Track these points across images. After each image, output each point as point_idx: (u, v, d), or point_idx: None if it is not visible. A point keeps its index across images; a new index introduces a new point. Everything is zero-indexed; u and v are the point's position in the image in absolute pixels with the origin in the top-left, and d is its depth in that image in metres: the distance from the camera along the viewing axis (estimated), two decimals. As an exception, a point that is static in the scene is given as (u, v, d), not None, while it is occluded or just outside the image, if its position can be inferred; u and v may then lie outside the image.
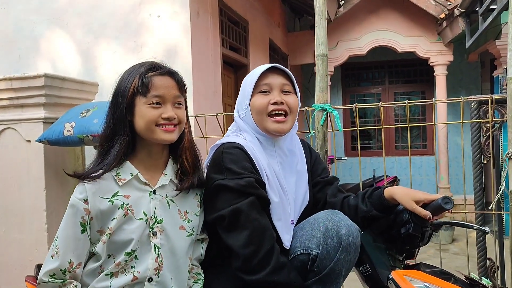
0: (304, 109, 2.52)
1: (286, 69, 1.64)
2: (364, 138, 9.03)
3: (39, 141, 2.68)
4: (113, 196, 1.42)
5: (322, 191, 1.73)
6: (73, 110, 2.74)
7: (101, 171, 1.42)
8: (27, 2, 3.74)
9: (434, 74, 7.30)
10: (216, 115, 2.77)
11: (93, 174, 1.41)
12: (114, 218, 1.39)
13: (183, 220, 1.50)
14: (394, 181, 5.32)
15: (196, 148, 1.63)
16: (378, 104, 2.35)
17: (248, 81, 1.62)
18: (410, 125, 2.36)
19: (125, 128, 1.45)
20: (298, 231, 1.52)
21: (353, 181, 7.72)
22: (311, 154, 1.80)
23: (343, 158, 6.17)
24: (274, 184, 1.54)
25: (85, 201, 1.39)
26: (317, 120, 2.38)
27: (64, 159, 2.97)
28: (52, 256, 1.37)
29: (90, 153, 3.10)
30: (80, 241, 1.39)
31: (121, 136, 1.45)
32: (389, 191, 1.54)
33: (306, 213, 1.64)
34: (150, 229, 1.43)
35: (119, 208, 1.40)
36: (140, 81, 1.45)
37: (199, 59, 3.53)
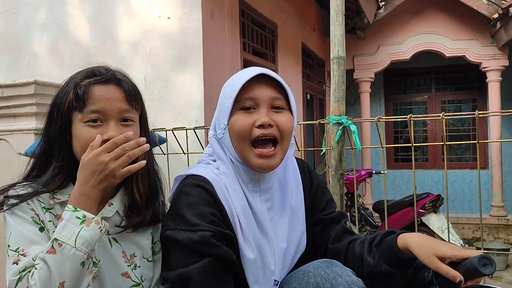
0: (317, 122, 2.12)
1: (278, 76, 1.22)
2: (409, 150, 8.41)
3: (25, 154, 2.45)
4: (48, 209, 1.14)
5: (324, 232, 1.31)
6: (63, 121, 2.49)
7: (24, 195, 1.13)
8: (37, 6, 3.58)
9: (487, 80, 6.65)
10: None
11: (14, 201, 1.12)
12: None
13: (128, 266, 1.17)
14: (438, 200, 4.77)
15: (157, 175, 1.30)
16: (406, 117, 1.93)
17: (227, 93, 1.21)
18: (447, 143, 1.92)
19: (60, 152, 1.14)
20: (284, 286, 1.16)
21: (394, 197, 7.15)
22: (311, 182, 1.37)
23: (381, 171, 5.66)
24: (251, 235, 1.16)
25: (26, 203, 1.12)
26: (332, 136, 1.98)
27: (58, 174, 2.73)
28: (15, 262, 1.05)
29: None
30: (43, 238, 1.09)
31: (54, 163, 1.15)
32: (404, 240, 1.12)
33: (302, 262, 1.24)
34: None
35: (49, 221, 1.12)
36: (75, 92, 1.13)
37: (213, 65, 3.21)
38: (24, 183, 1.16)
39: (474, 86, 7.93)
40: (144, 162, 1.10)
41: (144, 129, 1.25)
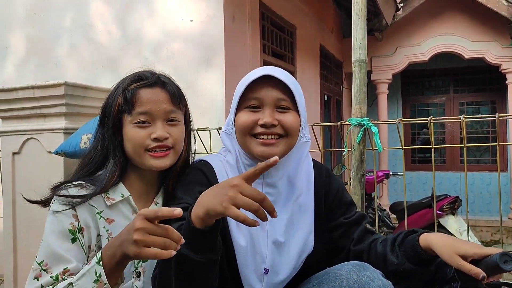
0: (338, 123, 2.17)
1: (288, 77, 1.25)
2: (426, 151, 8.37)
3: (56, 153, 2.54)
4: (100, 212, 1.20)
5: (346, 235, 1.33)
6: (91, 122, 2.57)
7: (88, 192, 1.20)
8: (64, 9, 3.69)
9: (506, 82, 6.61)
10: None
11: (77, 194, 1.19)
12: (100, 236, 1.17)
13: None
14: (456, 202, 4.76)
15: None
16: (427, 120, 1.96)
17: (237, 91, 1.27)
18: (466, 145, 1.95)
19: (115, 151, 1.23)
20: (315, 287, 1.18)
21: (411, 198, 7.13)
22: (330, 186, 1.38)
23: (399, 173, 5.66)
24: None
25: (72, 208, 1.17)
26: (353, 137, 2.03)
27: (85, 172, 2.82)
28: (36, 278, 1.11)
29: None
30: (71, 252, 1.14)
31: (111, 160, 1.23)
32: (426, 239, 1.15)
33: (313, 263, 1.28)
34: (135, 269, 1.20)
35: (103, 227, 1.18)
36: (124, 96, 1.21)
37: (235, 67, 3.28)
38: (77, 182, 1.21)
39: (493, 88, 7.87)
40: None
41: (187, 128, 1.34)
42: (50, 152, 2.73)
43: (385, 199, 7.02)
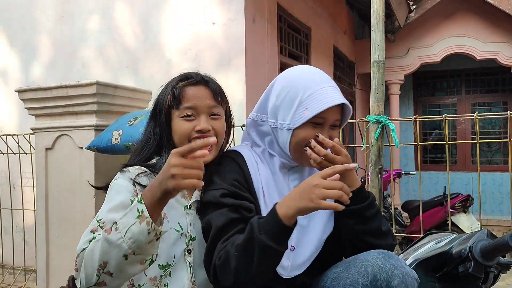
0: (357, 120, 2.30)
1: (349, 106, 1.36)
2: (437, 151, 8.44)
3: (89, 148, 2.69)
4: None
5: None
6: (122, 118, 2.72)
7: (148, 168, 1.33)
8: (90, 13, 3.86)
9: (518, 83, 6.66)
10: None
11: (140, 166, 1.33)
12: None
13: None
14: (468, 200, 4.84)
15: None
16: (441, 117, 2.08)
17: (302, 99, 1.32)
18: (479, 141, 2.07)
19: (169, 142, 1.38)
20: (343, 271, 1.27)
21: (422, 198, 7.20)
22: None
23: (411, 172, 5.75)
24: (271, 202, 1.33)
25: (134, 184, 1.28)
26: (371, 133, 2.15)
27: (114, 167, 2.95)
28: (92, 231, 1.16)
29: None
30: None
31: (166, 151, 1.37)
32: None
33: (331, 244, 1.42)
34: (186, 245, 1.32)
35: None
36: (172, 93, 1.37)
37: (254, 67, 3.42)
38: (138, 166, 1.34)
39: (506, 89, 7.92)
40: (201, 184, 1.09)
41: (228, 124, 1.47)
42: (81, 148, 2.89)
43: (396, 198, 7.10)
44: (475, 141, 2.07)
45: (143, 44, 3.66)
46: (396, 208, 5.76)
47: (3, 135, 3.57)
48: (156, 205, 1.06)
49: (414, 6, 6.55)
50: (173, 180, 1.02)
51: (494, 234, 1.32)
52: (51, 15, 4.05)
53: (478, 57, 6.77)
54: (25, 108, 3.01)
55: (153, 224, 1.05)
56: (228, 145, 1.55)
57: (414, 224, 5.20)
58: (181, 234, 1.31)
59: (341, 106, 1.36)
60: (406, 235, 4.82)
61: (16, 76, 4.26)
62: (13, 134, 3.51)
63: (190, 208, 1.36)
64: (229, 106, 1.49)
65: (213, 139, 1.05)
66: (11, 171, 3.78)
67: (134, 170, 1.31)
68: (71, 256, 2.90)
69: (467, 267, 1.25)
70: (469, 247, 1.25)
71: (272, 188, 1.37)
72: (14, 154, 3.60)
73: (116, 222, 1.07)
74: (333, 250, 1.43)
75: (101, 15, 3.83)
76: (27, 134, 3.33)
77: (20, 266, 3.80)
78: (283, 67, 4.21)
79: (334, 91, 1.36)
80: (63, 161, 2.96)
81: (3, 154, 3.69)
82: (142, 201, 1.06)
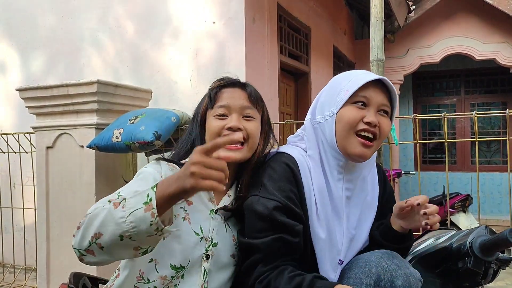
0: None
1: (393, 88, 1.33)
2: (436, 152, 8.45)
3: (89, 146, 2.70)
4: None
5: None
6: (123, 117, 2.74)
7: (174, 162, 1.34)
8: (91, 11, 3.87)
9: (517, 83, 6.68)
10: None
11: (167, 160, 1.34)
12: (175, 215, 1.23)
13: (236, 248, 1.34)
14: (467, 200, 4.86)
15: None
16: (441, 116, 2.09)
17: (344, 85, 1.31)
18: (478, 139, 2.08)
19: (202, 142, 1.37)
20: (346, 271, 1.27)
21: (422, 197, 7.20)
22: (385, 188, 1.49)
23: (411, 172, 5.77)
24: (323, 214, 1.30)
25: (161, 176, 1.26)
26: (371, 132, 2.16)
27: (114, 165, 2.98)
28: (110, 200, 1.09)
29: (143, 160, 3.09)
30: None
31: None
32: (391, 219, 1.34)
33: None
34: (205, 251, 1.27)
35: (181, 207, 1.27)
36: (209, 94, 1.39)
37: (254, 66, 3.43)
38: (169, 163, 1.34)
39: (505, 89, 7.94)
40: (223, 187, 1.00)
41: (264, 129, 1.43)
42: (82, 147, 2.90)
43: (396, 198, 7.10)
44: (474, 139, 2.08)
45: (144, 43, 3.67)
46: (396, 208, 5.77)
47: (3, 134, 3.58)
48: (168, 199, 1.00)
49: (414, 7, 6.56)
50: (191, 178, 0.95)
51: (494, 230, 1.33)
52: (52, 14, 4.06)
53: (477, 58, 6.79)
54: (26, 106, 3.02)
55: (157, 218, 0.98)
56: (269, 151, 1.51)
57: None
58: (201, 238, 1.27)
59: (388, 94, 1.32)
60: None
61: (17, 74, 4.27)
62: (13, 133, 3.51)
63: (216, 213, 1.32)
64: (266, 113, 1.45)
65: (238, 135, 1.02)
66: (12, 170, 3.78)
67: (165, 164, 1.31)
68: (72, 254, 2.91)
69: (466, 263, 1.26)
70: (469, 242, 1.26)
71: (325, 199, 1.31)
72: (15, 153, 3.61)
73: (125, 199, 1.02)
74: None
75: (102, 14, 3.84)
76: (27, 133, 3.34)
77: (21, 264, 3.81)
78: (283, 66, 4.23)
79: (372, 74, 1.34)
80: (63, 159, 2.97)
81: (4, 153, 3.70)
82: (155, 189, 1.00)
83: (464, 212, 4.85)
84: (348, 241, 1.34)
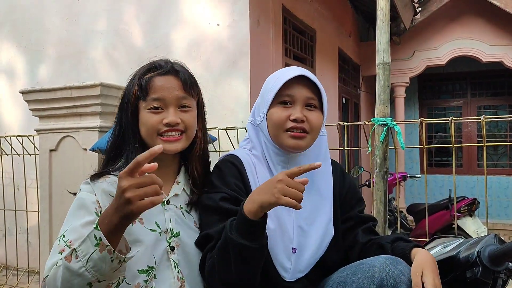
0: (362, 123, 2.28)
1: (316, 78, 1.38)
2: (442, 155, 8.39)
3: (92, 150, 2.69)
4: None
5: (352, 231, 1.46)
6: (126, 120, 2.71)
7: (108, 173, 1.30)
8: (95, 14, 3.86)
9: (524, 86, 6.61)
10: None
11: (98, 175, 1.29)
12: None
13: (199, 233, 1.35)
14: (474, 204, 4.80)
15: (208, 157, 1.48)
16: (448, 120, 2.05)
17: (271, 86, 1.38)
18: (486, 144, 2.04)
19: (135, 135, 1.32)
20: (349, 276, 1.24)
21: (428, 201, 7.16)
22: (343, 180, 1.53)
23: (416, 175, 5.71)
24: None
25: (95, 195, 1.24)
26: (376, 136, 2.13)
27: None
28: (60, 252, 1.11)
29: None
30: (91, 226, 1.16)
31: (131, 144, 1.31)
32: (413, 254, 1.25)
33: (332, 248, 1.41)
34: (168, 243, 1.27)
35: None
36: (139, 83, 1.31)
37: (259, 69, 3.40)
38: (101, 173, 1.31)
39: (512, 92, 7.88)
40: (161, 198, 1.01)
41: (201, 114, 1.42)
42: (85, 149, 2.88)
43: (401, 201, 7.07)
44: (482, 144, 2.05)
45: (149, 45, 3.66)
46: (401, 212, 5.73)
47: (7, 136, 3.57)
48: (115, 231, 0.99)
49: (420, 9, 6.52)
50: (129, 205, 0.94)
51: (503, 239, 1.30)
52: (57, 16, 4.06)
53: (484, 60, 6.73)
54: (30, 109, 3.01)
55: (115, 252, 0.99)
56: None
57: (419, 227, 5.17)
58: (160, 232, 1.27)
59: (314, 87, 1.37)
60: (411, 238, 4.78)
61: (22, 77, 4.27)
62: (17, 135, 3.51)
63: (168, 203, 1.32)
64: (201, 96, 1.44)
65: (158, 147, 0.98)
66: (15, 173, 3.78)
67: (98, 182, 1.27)
68: (74, 257, 2.90)
69: (475, 273, 1.22)
70: (477, 252, 1.23)
71: None
72: (18, 155, 3.60)
73: (75, 249, 1.00)
74: (335, 256, 1.43)
75: (107, 16, 3.83)
76: (31, 136, 3.33)
77: (24, 267, 3.80)
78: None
79: (295, 69, 1.37)
80: (67, 162, 2.95)
81: (8, 155, 3.70)
82: (99, 227, 0.98)
83: (471, 216, 4.79)
84: (299, 231, 1.37)
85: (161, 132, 1.30)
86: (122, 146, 1.34)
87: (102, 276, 1.01)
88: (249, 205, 1.14)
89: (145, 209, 0.95)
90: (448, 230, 4.90)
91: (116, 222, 0.98)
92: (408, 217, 5.80)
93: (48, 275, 1.07)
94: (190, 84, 1.34)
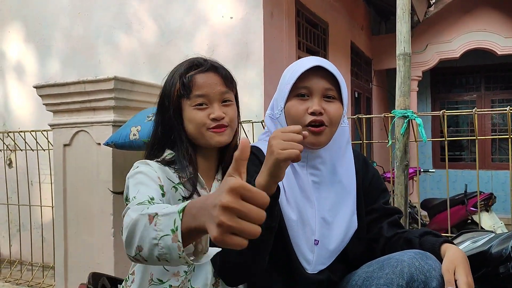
0: (382, 115, 2.23)
1: (334, 68, 1.32)
2: (456, 149, 8.29)
3: (106, 144, 2.66)
4: (177, 184, 1.29)
5: (377, 223, 1.41)
6: (140, 114, 2.69)
7: (167, 166, 1.31)
8: (106, 9, 3.84)
9: (541, 79, 6.49)
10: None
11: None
12: None
13: None
14: (490, 198, 4.72)
15: None
16: (472, 112, 2.00)
17: (287, 78, 1.33)
18: (512, 136, 1.98)
19: (180, 132, 1.34)
20: (376, 271, 1.19)
21: (440, 196, 7.08)
22: (367, 170, 1.47)
23: (430, 170, 5.63)
24: (292, 198, 1.31)
25: (155, 172, 1.24)
26: (397, 129, 2.08)
27: (132, 163, 2.93)
28: (146, 208, 0.99)
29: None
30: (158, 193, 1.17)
31: (180, 142, 1.34)
32: (444, 250, 1.20)
33: (354, 240, 1.37)
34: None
35: (179, 200, 1.27)
36: (181, 82, 1.32)
37: (272, 62, 3.36)
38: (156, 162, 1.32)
39: (527, 85, 7.75)
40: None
41: (238, 106, 1.45)
42: (99, 144, 2.86)
43: (414, 196, 6.99)
44: (507, 136, 1.99)
45: (160, 39, 3.63)
46: (415, 207, 5.66)
47: (21, 132, 3.57)
48: (189, 233, 0.85)
49: (434, 1, 6.42)
50: (216, 228, 0.70)
51: (537, 233, 1.25)
52: (68, 11, 4.05)
53: (499, 53, 6.61)
54: (43, 104, 3.00)
55: (183, 252, 0.85)
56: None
57: (434, 222, 5.10)
58: None
59: (332, 77, 1.30)
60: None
61: (33, 72, 4.27)
62: (31, 131, 3.50)
63: None
64: (237, 90, 1.47)
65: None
66: (29, 168, 3.78)
67: (153, 162, 1.29)
68: (89, 253, 2.90)
69: (508, 268, 1.18)
70: (511, 246, 1.18)
71: (293, 183, 1.33)
72: (32, 150, 3.60)
73: (157, 215, 0.89)
74: (357, 248, 1.39)
75: (118, 11, 3.81)
76: (45, 131, 3.32)
77: (38, 262, 3.81)
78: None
79: (312, 59, 1.32)
80: (80, 157, 2.94)
81: (21, 150, 3.70)
82: (181, 215, 0.84)
83: (487, 211, 4.72)
84: (322, 222, 1.33)
85: (209, 127, 1.32)
86: (164, 145, 1.37)
87: (170, 261, 0.89)
88: (260, 178, 1.10)
89: (226, 247, 0.73)
90: (464, 225, 4.84)
91: (194, 226, 0.82)
92: (421, 212, 5.73)
93: (133, 218, 0.96)
94: (229, 79, 1.38)
